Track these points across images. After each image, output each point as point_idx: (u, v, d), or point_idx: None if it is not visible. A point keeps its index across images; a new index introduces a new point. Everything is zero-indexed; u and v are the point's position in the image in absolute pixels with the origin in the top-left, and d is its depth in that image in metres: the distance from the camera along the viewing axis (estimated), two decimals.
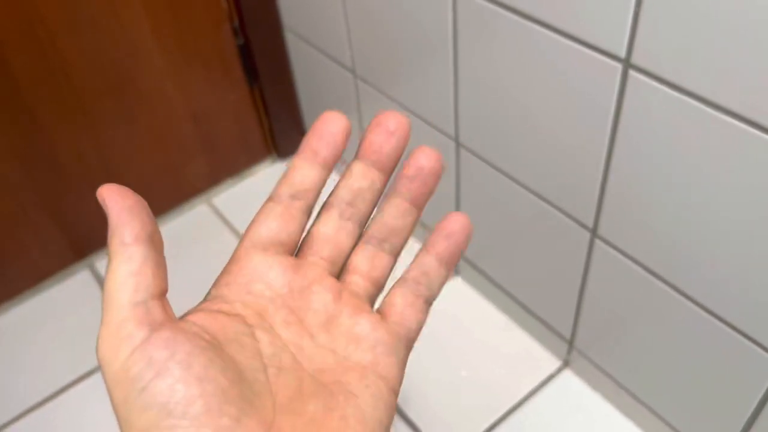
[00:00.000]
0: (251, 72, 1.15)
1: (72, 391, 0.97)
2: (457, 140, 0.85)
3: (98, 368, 0.99)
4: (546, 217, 0.77)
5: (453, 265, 0.28)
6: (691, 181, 0.58)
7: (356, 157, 0.28)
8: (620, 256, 0.71)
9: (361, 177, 0.27)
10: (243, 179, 1.27)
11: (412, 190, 0.28)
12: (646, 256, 0.68)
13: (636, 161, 0.62)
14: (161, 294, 0.22)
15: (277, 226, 0.26)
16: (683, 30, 0.51)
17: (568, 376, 0.91)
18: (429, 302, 0.28)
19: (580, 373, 0.91)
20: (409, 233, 0.28)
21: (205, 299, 0.25)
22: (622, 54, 0.57)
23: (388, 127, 0.27)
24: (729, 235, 0.58)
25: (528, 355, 0.95)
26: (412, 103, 0.89)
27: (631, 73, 0.57)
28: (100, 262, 1.15)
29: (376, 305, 0.28)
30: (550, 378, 0.92)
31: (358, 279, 0.27)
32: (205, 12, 1.05)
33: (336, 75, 1.03)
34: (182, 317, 0.23)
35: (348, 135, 0.27)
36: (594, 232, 0.72)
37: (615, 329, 0.80)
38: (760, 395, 0.65)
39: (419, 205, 0.28)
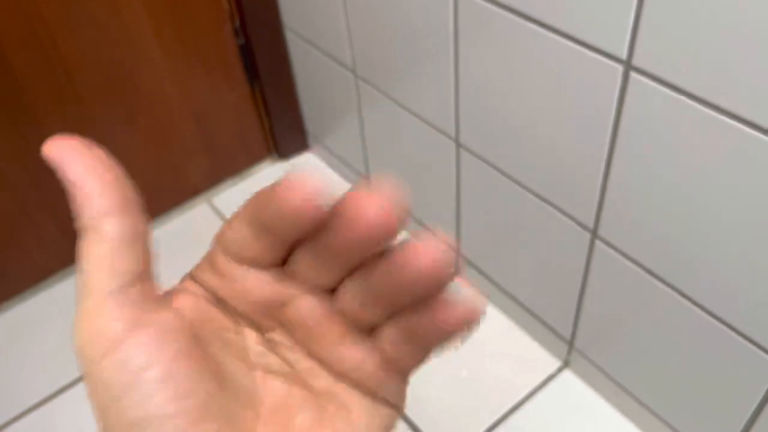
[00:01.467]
0: (252, 72, 1.15)
1: (72, 391, 0.97)
2: (457, 140, 0.85)
3: None
4: (546, 217, 0.77)
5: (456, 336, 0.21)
6: (691, 183, 0.58)
7: (320, 233, 0.19)
8: (620, 257, 0.71)
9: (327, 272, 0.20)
10: (243, 179, 1.27)
11: (398, 303, 0.20)
12: (647, 257, 0.68)
13: (636, 162, 0.62)
14: (142, 273, 0.19)
15: (250, 255, 0.20)
16: (684, 32, 0.51)
17: (568, 377, 0.91)
18: (427, 351, 0.21)
19: (580, 374, 0.91)
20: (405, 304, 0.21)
21: (189, 278, 0.22)
22: (623, 56, 0.57)
23: (355, 233, 0.18)
24: (729, 237, 0.58)
25: (528, 356, 0.95)
26: (412, 103, 0.89)
27: (632, 74, 0.57)
28: None
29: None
30: (549, 378, 0.92)
31: (346, 302, 0.21)
32: (206, 12, 1.05)
33: (336, 75, 1.03)
34: (167, 293, 0.21)
35: (317, 213, 0.18)
36: (594, 232, 0.72)
37: (615, 330, 0.79)
38: (759, 397, 0.65)
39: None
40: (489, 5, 0.67)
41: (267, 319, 0.22)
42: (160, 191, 1.17)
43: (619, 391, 0.84)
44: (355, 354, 0.21)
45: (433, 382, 0.91)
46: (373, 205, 0.17)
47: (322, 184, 0.17)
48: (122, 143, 1.08)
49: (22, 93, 0.94)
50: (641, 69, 0.56)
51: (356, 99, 1.02)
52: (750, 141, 0.51)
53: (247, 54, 1.12)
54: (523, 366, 0.94)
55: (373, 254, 0.19)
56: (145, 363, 0.18)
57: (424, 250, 0.18)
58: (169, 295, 0.21)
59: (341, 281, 0.20)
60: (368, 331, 0.21)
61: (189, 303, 0.21)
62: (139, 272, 0.19)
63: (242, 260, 0.21)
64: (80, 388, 0.97)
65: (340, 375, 0.22)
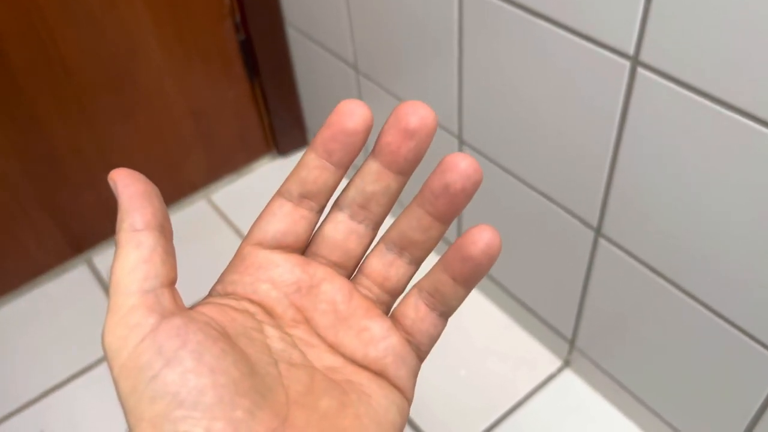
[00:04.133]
0: (252, 68, 1.14)
1: (68, 387, 0.97)
2: (460, 138, 0.84)
3: (95, 364, 0.99)
4: (550, 215, 0.77)
5: (473, 285, 0.25)
6: (698, 180, 0.58)
7: (372, 154, 0.25)
8: (624, 256, 0.70)
9: (375, 179, 0.24)
10: (242, 176, 1.26)
11: (436, 206, 0.24)
12: (651, 256, 0.67)
13: (642, 160, 0.62)
14: (171, 283, 0.21)
15: (285, 226, 0.24)
16: (692, 27, 0.51)
17: (569, 376, 0.91)
18: (445, 316, 0.26)
19: (581, 373, 0.90)
20: (433, 246, 0.25)
21: (209, 295, 0.24)
22: (631, 51, 0.56)
23: (407, 125, 0.23)
24: (735, 235, 0.58)
25: (528, 355, 0.94)
26: (414, 99, 0.88)
27: (639, 70, 0.57)
28: (97, 258, 1.14)
29: (392, 309, 0.26)
30: (550, 378, 0.91)
31: (370, 283, 0.25)
32: (206, 7, 1.04)
33: (338, 71, 1.03)
34: (191, 308, 0.22)
35: (368, 131, 0.23)
36: (598, 231, 0.72)
37: (617, 329, 0.79)
38: (763, 396, 0.64)
39: (445, 221, 0.25)
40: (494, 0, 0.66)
41: (294, 309, 0.24)
42: (158, 187, 1.16)
43: (620, 390, 0.84)
44: (381, 325, 0.24)
45: (433, 381, 0.91)
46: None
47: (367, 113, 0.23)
48: (121, 139, 1.07)
49: (20, 89, 0.93)
50: (649, 65, 0.56)
51: (357, 95, 1.01)
52: (758, 138, 0.51)
53: (248, 50, 1.12)
54: (524, 365, 0.93)
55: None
56: (179, 344, 0.20)
57: (458, 158, 0.23)
58: (193, 307, 0.23)
59: (366, 248, 0.25)
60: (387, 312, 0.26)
61: (212, 309, 0.23)
62: (168, 281, 0.21)
63: (274, 246, 0.24)
64: (76, 385, 0.97)
65: (364, 355, 0.24)
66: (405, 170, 0.24)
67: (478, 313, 1.00)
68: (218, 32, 1.08)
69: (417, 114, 0.23)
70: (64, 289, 1.10)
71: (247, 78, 1.16)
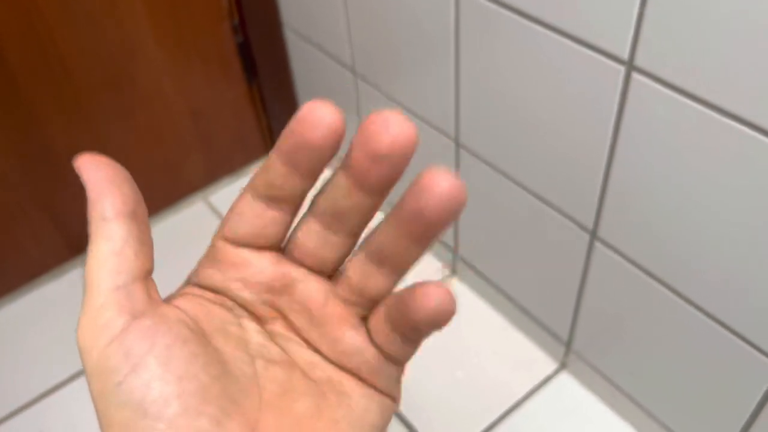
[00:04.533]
0: (250, 70, 1.15)
1: (66, 389, 0.97)
2: (457, 140, 0.84)
3: None
4: (546, 218, 0.77)
5: (429, 244, 0.22)
6: (692, 185, 0.58)
7: (342, 165, 0.21)
8: (620, 259, 0.70)
9: (345, 195, 0.21)
10: (240, 177, 1.26)
11: (411, 230, 0.21)
12: (646, 259, 0.67)
13: (637, 163, 0.62)
14: (145, 275, 0.20)
15: (254, 227, 0.22)
16: (687, 33, 0.51)
17: (565, 378, 0.91)
18: (414, 344, 0.23)
19: (577, 375, 0.90)
20: (414, 263, 0.22)
21: (186, 283, 0.23)
22: (625, 56, 0.57)
23: (377, 148, 0.19)
24: (729, 239, 0.58)
25: (525, 357, 0.94)
26: (412, 102, 0.88)
27: (634, 75, 0.57)
28: None
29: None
30: (546, 380, 0.92)
31: (349, 288, 0.23)
32: (205, 9, 1.04)
33: (335, 73, 1.03)
34: (166, 299, 0.22)
35: (338, 139, 0.20)
36: (594, 234, 0.72)
37: (613, 331, 0.79)
38: (757, 399, 0.65)
39: (423, 245, 0.21)
40: (491, 4, 0.67)
41: (268, 307, 0.23)
42: (156, 188, 1.17)
43: (616, 393, 0.84)
44: (354, 337, 0.23)
45: (429, 383, 0.91)
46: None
47: (336, 116, 0.20)
48: (119, 140, 1.07)
49: (18, 89, 0.94)
50: (643, 69, 0.56)
51: (355, 98, 1.02)
52: (752, 143, 0.51)
53: (246, 52, 1.12)
54: (520, 367, 0.93)
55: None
56: (147, 348, 0.19)
57: (437, 177, 0.19)
58: (169, 299, 0.22)
59: (343, 258, 0.23)
60: (365, 319, 0.23)
61: (187, 302, 0.22)
62: (142, 273, 0.20)
63: (247, 244, 0.22)
64: (74, 386, 0.97)
65: (340, 363, 0.23)
66: (378, 191, 0.21)
67: (475, 315, 1.00)
68: (217, 34, 1.08)
69: (389, 132, 0.19)
70: (62, 290, 1.10)
71: (245, 80, 1.16)
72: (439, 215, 0.20)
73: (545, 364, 0.93)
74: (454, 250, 1.01)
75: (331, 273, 0.23)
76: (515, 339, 0.96)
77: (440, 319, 0.20)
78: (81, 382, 0.97)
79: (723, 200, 0.56)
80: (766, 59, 0.47)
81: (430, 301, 0.20)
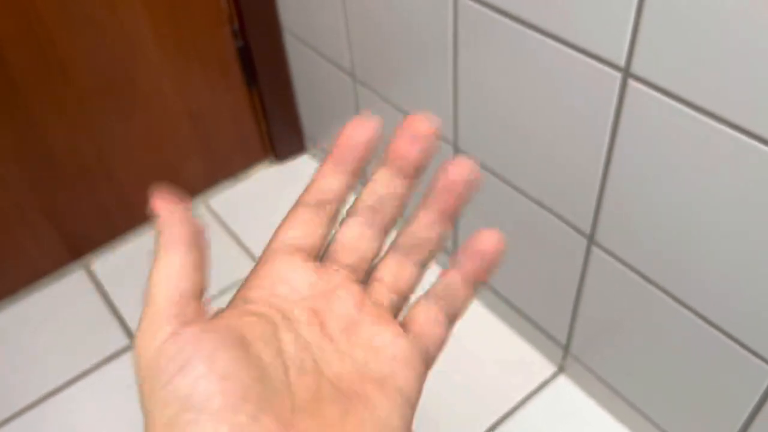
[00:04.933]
0: (250, 74, 1.15)
1: (66, 392, 0.97)
2: (455, 145, 0.85)
3: (92, 369, 1.00)
4: (543, 223, 0.78)
5: (480, 285, 0.28)
6: (688, 190, 0.58)
7: (382, 162, 0.27)
8: (617, 263, 0.71)
9: (385, 184, 0.27)
10: (240, 181, 1.27)
11: (440, 203, 0.27)
12: (643, 264, 0.68)
13: (634, 169, 0.62)
14: (197, 294, 0.23)
15: (302, 231, 0.26)
16: (683, 40, 0.51)
17: (563, 382, 0.91)
18: (452, 320, 0.28)
19: (575, 379, 0.91)
20: (438, 246, 0.28)
21: (233, 299, 0.26)
22: (622, 63, 0.57)
23: (413, 133, 0.26)
24: (725, 244, 0.58)
25: (523, 361, 0.95)
26: (410, 107, 0.89)
27: (630, 82, 0.57)
28: (95, 263, 1.15)
29: (401, 316, 0.28)
30: (544, 383, 0.92)
31: (382, 288, 0.27)
32: (205, 13, 1.05)
33: (335, 78, 1.03)
34: (213, 316, 0.24)
35: (375, 143, 0.26)
36: (591, 238, 0.72)
37: (610, 335, 0.80)
38: (753, 403, 0.65)
39: (449, 218, 0.27)
40: (488, 11, 0.67)
41: (310, 313, 0.26)
42: (155, 191, 1.17)
43: (614, 396, 0.84)
44: (390, 331, 0.26)
45: (428, 387, 0.91)
46: (419, 120, 0.26)
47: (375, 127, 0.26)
48: (118, 143, 1.07)
49: (18, 91, 0.94)
50: (639, 77, 0.56)
51: (354, 102, 1.02)
52: (747, 150, 0.52)
53: (246, 56, 1.12)
54: (518, 371, 0.94)
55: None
56: (194, 351, 0.21)
57: (456, 161, 0.27)
58: (216, 313, 0.25)
59: (376, 251, 0.27)
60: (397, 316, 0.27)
61: (233, 315, 0.24)
62: (195, 293, 0.23)
63: (293, 251, 0.26)
64: (74, 390, 0.97)
65: (373, 361, 0.25)
66: (412, 174, 0.27)
67: (474, 319, 1.00)
68: (216, 38, 1.09)
69: (422, 124, 0.26)
70: (62, 293, 1.10)
71: (244, 84, 1.16)
72: (464, 183, 0.26)
73: (543, 367, 0.93)
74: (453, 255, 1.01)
75: (366, 270, 0.27)
76: (513, 343, 0.97)
77: (501, 250, 0.27)
78: (79, 386, 0.97)
79: (718, 206, 0.57)
80: (760, 67, 0.48)
81: (493, 236, 0.27)
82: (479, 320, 1.00)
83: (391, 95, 0.92)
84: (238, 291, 0.26)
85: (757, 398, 0.64)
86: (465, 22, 0.71)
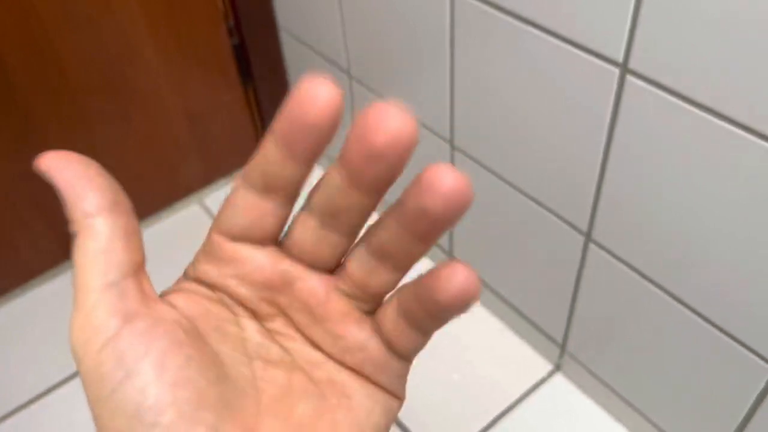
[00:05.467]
0: (246, 72, 1.15)
1: (60, 391, 0.96)
2: (452, 143, 0.85)
3: None
4: (540, 220, 0.77)
5: (450, 319, 0.21)
6: (686, 187, 0.58)
7: (338, 160, 0.20)
8: (614, 261, 0.71)
9: (342, 195, 0.20)
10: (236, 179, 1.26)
11: (415, 228, 0.20)
12: (641, 261, 0.68)
13: (632, 166, 0.62)
14: (137, 268, 0.20)
15: (250, 221, 0.21)
16: (682, 35, 0.51)
17: (560, 380, 0.91)
18: (427, 335, 0.22)
19: (572, 377, 0.90)
20: (418, 259, 0.21)
21: (184, 277, 0.22)
22: (620, 59, 0.57)
23: (373, 143, 0.18)
24: (723, 241, 0.58)
25: (520, 359, 0.94)
26: (407, 104, 0.88)
27: (629, 77, 0.57)
28: None
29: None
30: (541, 382, 0.92)
31: (351, 283, 0.22)
32: (201, 11, 1.04)
33: (331, 76, 1.03)
34: (162, 294, 0.21)
35: (335, 122, 0.18)
36: (588, 236, 0.72)
37: (607, 333, 0.79)
38: (751, 400, 0.65)
39: (427, 242, 0.20)
40: (485, 7, 0.67)
41: (267, 304, 0.22)
42: (151, 190, 1.16)
43: (610, 394, 0.84)
44: (358, 332, 0.22)
45: (424, 385, 0.91)
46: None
47: (333, 93, 0.18)
48: (115, 142, 1.07)
49: (15, 91, 0.93)
50: (637, 72, 0.56)
51: (350, 100, 1.02)
52: (745, 145, 0.51)
53: (242, 54, 1.12)
54: (515, 369, 0.93)
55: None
56: (141, 353, 0.18)
57: (440, 174, 0.18)
58: (164, 295, 0.21)
59: (341, 255, 0.22)
60: (369, 312, 0.22)
61: (184, 298, 0.21)
62: (133, 268, 0.19)
63: (244, 238, 0.21)
64: (68, 387, 0.97)
65: (342, 360, 0.22)
66: (374, 191, 0.20)
67: (470, 317, 1.00)
68: (213, 36, 1.08)
69: (387, 128, 0.18)
70: (56, 292, 1.10)
71: (241, 82, 1.16)
72: (444, 214, 0.19)
73: (540, 366, 0.93)
74: (449, 253, 1.01)
75: (331, 269, 0.22)
76: (510, 341, 0.97)
77: (467, 298, 0.19)
78: (75, 384, 0.97)
79: (717, 203, 0.57)
80: (759, 62, 0.48)
81: (457, 280, 0.19)
82: (476, 319, 0.99)
83: (387, 92, 0.92)
84: (187, 270, 0.22)
85: (754, 396, 0.64)
86: (462, 19, 0.71)
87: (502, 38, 0.67)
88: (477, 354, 0.96)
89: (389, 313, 0.22)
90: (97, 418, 0.19)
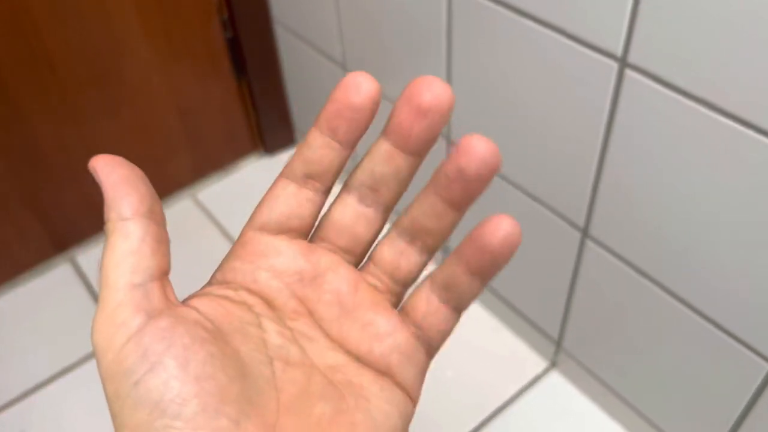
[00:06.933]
0: (239, 66, 1.14)
1: (50, 387, 0.96)
2: (448, 138, 0.84)
3: (78, 364, 0.98)
4: (537, 216, 0.77)
5: (490, 277, 0.24)
6: (685, 182, 0.58)
7: (382, 133, 0.23)
8: (611, 257, 0.70)
9: (385, 161, 0.23)
10: (228, 174, 1.25)
11: (450, 192, 0.23)
12: (638, 257, 0.67)
13: (630, 161, 0.62)
14: (162, 274, 0.20)
15: (288, 207, 0.23)
16: (681, 29, 0.51)
17: (555, 378, 0.91)
18: (458, 311, 0.24)
19: (567, 375, 0.90)
20: (446, 235, 0.24)
21: (208, 283, 0.23)
22: (619, 52, 0.56)
23: (420, 103, 0.21)
24: (721, 237, 0.58)
25: (515, 356, 0.94)
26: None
27: (627, 72, 0.57)
28: (80, 256, 1.13)
29: (401, 304, 0.25)
30: (536, 379, 0.91)
31: (380, 272, 0.24)
32: (194, 4, 1.03)
33: (326, 70, 1.02)
34: (184, 301, 0.21)
35: (375, 107, 0.22)
36: (585, 232, 0.72)
37: (603, 330, 0.79)
38: (747, 397, 0.65)
39: (459, 208, 0.23)
40: (483, 0, 0.66)
41: (296, 299, 0.23)
42: None
43: (606, 392, 0.84)
44: (388, 319, 0.23)
45: None
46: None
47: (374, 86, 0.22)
48: (106, 136, 1.06)
49: (3, 84, 0.92)
50: (637, 66, 0.56)
51: None
52: (745, 140, 0.51)
53: (235, 47, 1.11)
54: (510, 366, 0.93)
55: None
56: (164, 348, 0.19)
57: (475, 140, 0.22)
58: (186, 300, 0.22)
59: (375, 235, 0.24)
60: (395, 306, 0.24)
61: (205, 302, 0.21)
62: (159, 273, 0.20)
63: (277, 230, 0.23)
64: (59, 384, 0.96)
65: (369, 351, 0.23)
66: (417, 151, 0.22)
67: (465, 314, 0.99)
68: (206, 29, 1.07)
69: (431, 90, 0.21)
70: (47, 288, 1.09)
71: (234, 76, 1.15)
72: (478, 174, 0.22)
73: (535, 363, 0.93)
74: (447, 251, 1.00)
75: (362, 253, 0.24)
76: (505, 338, 0.96)
77: (515, 241, 0.22)
78: (64, 380, 0.96)
79: (715, 198, 0.56)
80: (759, 56, 0.47)
81: (506, 224, 0.23)
82: (471, 315, 0.99)
83: (383, 86, 0.91)
84: (214, 274, 0.23)
85: (751, 393, 0.64)
86: (459, 12, 0.70)
87: (499, 32, 0.67)
88: (472, 351, 0.95)
89: (423, 294, 0.24)
90: (116, 416, 0.19)
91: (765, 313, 0.58)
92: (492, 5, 0.65)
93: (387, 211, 0.24)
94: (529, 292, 0.89)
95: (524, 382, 0.91)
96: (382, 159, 0.23)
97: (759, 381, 0.62)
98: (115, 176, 0.20)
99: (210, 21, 1.07)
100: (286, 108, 1.24)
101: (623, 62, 0.57)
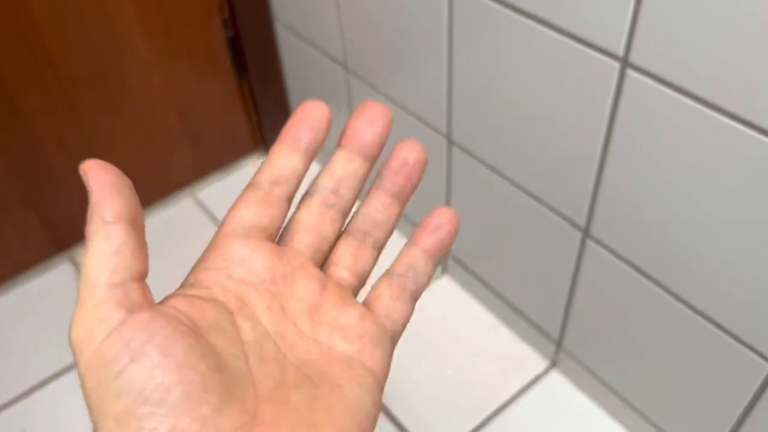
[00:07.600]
0: (240, 64, 1.14)
1: (50, 386, 0.96)
2: (449, 137, 0.84)
3: None
4: (538, 216, 0.77)
5: (439, 259, 0.28)
6: (686, 182, 0.58)
7: (339, 145, 0.27)
8: (612, 257, 0.70)
9: (344, 164, 0.27)
10: (229, 173, 1.25)
11: (396, 183, 0.27)
12: (639, 257, 0.67)
13: (631, 161, 0.62)
14: (141, 277, 0.21)
15: (257, 211, 0.25)
16: (682, 29, 0.51)
17: (555, 377, 0.91)
18: (415, 296, 0.27)
19: (568, 374, 0.90)
20: (393, 227, 0.28)
21: (182, 285, 0.24)
22: (620, 52, 0.56)
23: (370, 116, 0.26)
24: (722, 237, 0.58)
25: (515, 356, 0.94)
26: (404, 98, 0.88)
27: (629, 72, 0.56)
28: (81, 255, 1.13)
29: (361, 298, 0.27)
30: (537, 378, 0.91)
31: (342, 271, 0.27)
32: (195, 3, 1.03)
33: (327, 69, 1.02)
34: (160, 303, 0.22)
35: (329, 122, 0.26)
36: (586, 232, 0.72)
37: (604, 330, 0.79)
38: (748, 398, 0.65)
39: (403, 198, 0.28)
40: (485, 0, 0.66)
41: (268, 295, 0.24)
42: (143, 184, 1.15)
43: (606, 392, 0.84)
44: (355, 310, 0.25)
45: (419, 381, 0.91)
46: (373, 104, 0.27)
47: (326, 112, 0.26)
48: (106, 135, 1.06)
49: (4, 84, 0.92)
50: (638, 66, 0.56)
51: (346, 94, 1.01)
52: (746, 140, 0.51)
53: (236, 46, 1.11)
54: (511, 365, 0.93)
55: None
56: (148, 338, 0.19)
57: (406, 142, 0.27)
58: (163, 301, 0.23)
59: (338, 232, 0.27)
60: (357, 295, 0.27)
61: (181, 301, 0.22)
62: (138, 275, 0.21)
63: (248, 233, 0.25)
64: (60, 383, 0.96)
65: (342, 338, 0.24)
66: (370, 155, 0.27)
67: (466, 313, 0.99)
68: (206, 28, 1.07)
69: (377, 108, 0.27)
70: (47, 287, 1.09)
71: (234, 75, 1.15)
72: (417, 162, 0.27)
73: (536, 362, 0.93)
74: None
75: (326, 254, 0.27)
76: (506, 337, 0.96)
77: (454, 219, 0.27)
78: (64, 379, 0.96)
79: (716, 198, 0.56)
80: (760, 56, 0.47)
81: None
82: (471, 315, 0.99)
83: (383, 86, 0.91)
84: (187, 278, 0.24)
85: (752, 393, 0.64)
86: (460, 11, 0.70)
87: (500, 31, 0.67)
88: (472, 350, 0.95)
89: (384, 284, 0.27)
90: (97, 406, 0.19)
91: (765, 313, 0.58)
92: (493, 5, 0.65)
93: (345, 213, 0.27)
94: (530, 291, 0.89)
95: (524, 381, 0.91)
96: (340, 163, 0.27)
97: (760, 381, 0.62)
98: (102, 181, 0.21)
99: (210, 19, 1.06)
100: (287, 107, 1.23)
101: (625, 62, 0.56)
